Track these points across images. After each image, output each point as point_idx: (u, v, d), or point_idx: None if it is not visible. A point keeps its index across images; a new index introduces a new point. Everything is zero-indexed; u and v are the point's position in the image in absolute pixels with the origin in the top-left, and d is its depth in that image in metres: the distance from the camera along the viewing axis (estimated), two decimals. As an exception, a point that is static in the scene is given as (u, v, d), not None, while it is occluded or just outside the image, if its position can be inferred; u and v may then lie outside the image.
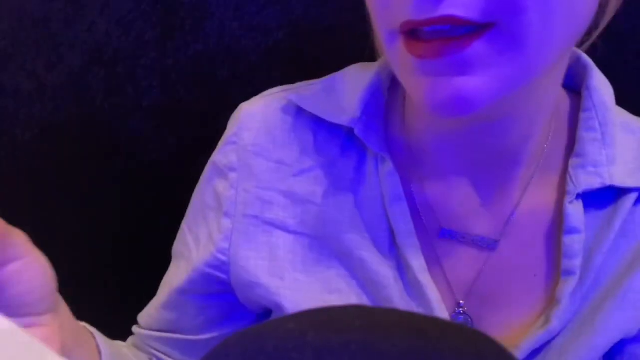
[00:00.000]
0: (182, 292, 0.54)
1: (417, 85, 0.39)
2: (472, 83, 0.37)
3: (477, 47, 0.36)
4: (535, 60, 0.38)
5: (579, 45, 0.48)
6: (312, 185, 0.50)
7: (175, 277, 0.55)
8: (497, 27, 0.36)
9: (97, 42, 0.68)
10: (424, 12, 0.36)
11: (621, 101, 0.50)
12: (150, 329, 0.58)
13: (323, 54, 0.68)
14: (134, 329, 0.60)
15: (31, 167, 0.71)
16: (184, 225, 0.57)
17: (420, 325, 0.26)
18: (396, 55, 0.40)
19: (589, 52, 0.50)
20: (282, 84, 0.55)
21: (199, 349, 0.57)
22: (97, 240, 0.74)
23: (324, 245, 0.50)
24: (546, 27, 0.36)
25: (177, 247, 0.57)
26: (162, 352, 0.58)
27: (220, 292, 0.54)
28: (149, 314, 0.58)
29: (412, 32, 0.38)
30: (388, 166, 0.48)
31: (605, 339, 0.44)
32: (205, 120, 0.54)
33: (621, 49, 0.64)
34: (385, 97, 0.51)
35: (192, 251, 0.54)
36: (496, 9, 0.36)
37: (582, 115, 0.47)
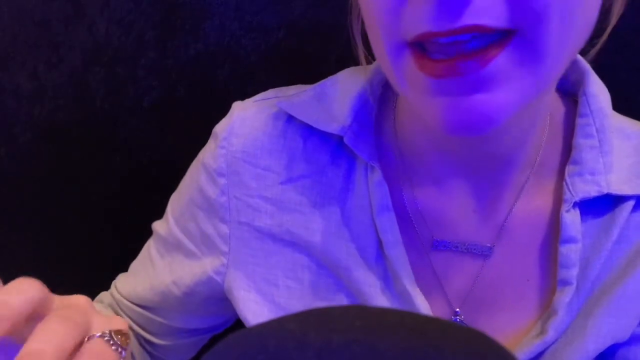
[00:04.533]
0: (188, 294, 0.54)
1: (432, 106, 0.36)
2: (494, 100, 0.35)
3: (500, 61, 0.34)
4: (552, 70, 0.36)
5: (585, 52, 0.47)
6: (299, 195, 0.50)
7: (177, 269, 0.55)
8: (518, 37, 0.34)
9: (97, 42, 0.68)
10: (446, 21, 0.33)
11: (621, 102, 0.50)
12: (131, 301, 0.59)
13: (323, 54, 0.68)
14: (113, 292, 0.60)
15: (31, 167, 0.71)
16: (169, 211, 0.56)
17: (421, 325, 0.26)
18: (403, 72, 0.37)
19: (588, 52, 0.49)
20: (282, 84, 0.55)
21: (171, 331, 0.59)
22: (98, 240, 0.74)
23: (311, 254, 0.49)
24: (564, 35, 0.35)
25: (162, 230, 0.56)
26: (137, 324, 0.59)
27: (211, 298, 0.55)
28: (134, 290, 0.58)
29: (420, 45, 0.35)
30: (377, 175, 0.47)
31: (596, 345, 0.44)
32: (205, 120, 0.54)
33: (621, 49, 0.64)
34: (377, 104, 0.50)
35: (185, 243, 0.54)
36: (521, 16, 0.33)
37: (579, 122, 0.46)
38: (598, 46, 0.46)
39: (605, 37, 0.44)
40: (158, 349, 0.60)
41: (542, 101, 0.44)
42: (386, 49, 0.38)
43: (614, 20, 0.43)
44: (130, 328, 0.59)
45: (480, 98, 0.35)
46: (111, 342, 0.33)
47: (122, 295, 0.59)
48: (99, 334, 0.33)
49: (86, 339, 0.32)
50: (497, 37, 0.34)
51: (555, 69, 0.37)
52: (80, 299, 0.35)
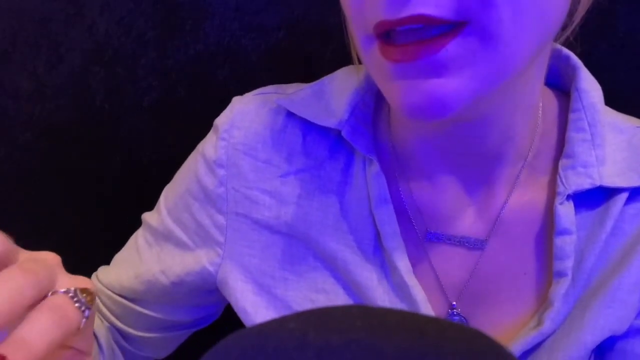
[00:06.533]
0: (177, 284, 0.54)
1: (392, 90, 0.39)
2: (448, 85, 0.37)
3: (451, 48, 0.36)
4: (509, 58, 0.37)
5: (555, 39, 0.48)
6: (297, 188, 0.50)
7: (166, 259, 0.55)
8: (469, 26, 0.36)
9: (97, 42, 0.68)
10: (394, 11, 0.36)
11: (621, 101, 0.50)
12: (112, 291, 0.58)
13: (323, 54, 0.68)
14: (94, 282, 0.59)
15: (31, 167, 0.71)
16: (161, 202, 0.56)
17: (421, 325, 0.26)
18: (372, 61, 0.40)
19: (588, 52, 0.49)
20: (281, 84, 0.55)
21: (151, 323, 0.59)
22: (97, 240, 0.74)
23: (308, 247, 0.50)
24: (518, 22, 0.36)
25: (152, 221, 0.56)
26: (115, 315, 0.58)
27: (205, 289, 0.55)
28: (117, 279, 0.57)
29: (387, 35, 0.38)
30: (375, 168, 0.48)
31: (594, 336, 0.44)
32: (205, 120, 0.54)
33: (621, 49, 0.64)
34: (374, 100, 0.51)
35: (176, 233, 0.54)
36: (467, 6, 0.35)
37: (572, 116, 0.47)
38: (564, 36, 0.46)
39: (573, 26, 0.45)
40: (134, 343, 0.60)
41: (522, 95, 0.44)
42: (360, 42, 0.40)
43: (581, 9, 0.44)
44: (107, 320, 0.59)
45: (434, 82, 0.37)
46: (75, 299, 0.32)
47: (103, 285, 0.58)
48: (63, 290, 0.32)
49: (50, 294, 0.32)
50: (449, 28, 0.36)
51: (515, 58, 0.37)
52: (48, 255, 0.34)
